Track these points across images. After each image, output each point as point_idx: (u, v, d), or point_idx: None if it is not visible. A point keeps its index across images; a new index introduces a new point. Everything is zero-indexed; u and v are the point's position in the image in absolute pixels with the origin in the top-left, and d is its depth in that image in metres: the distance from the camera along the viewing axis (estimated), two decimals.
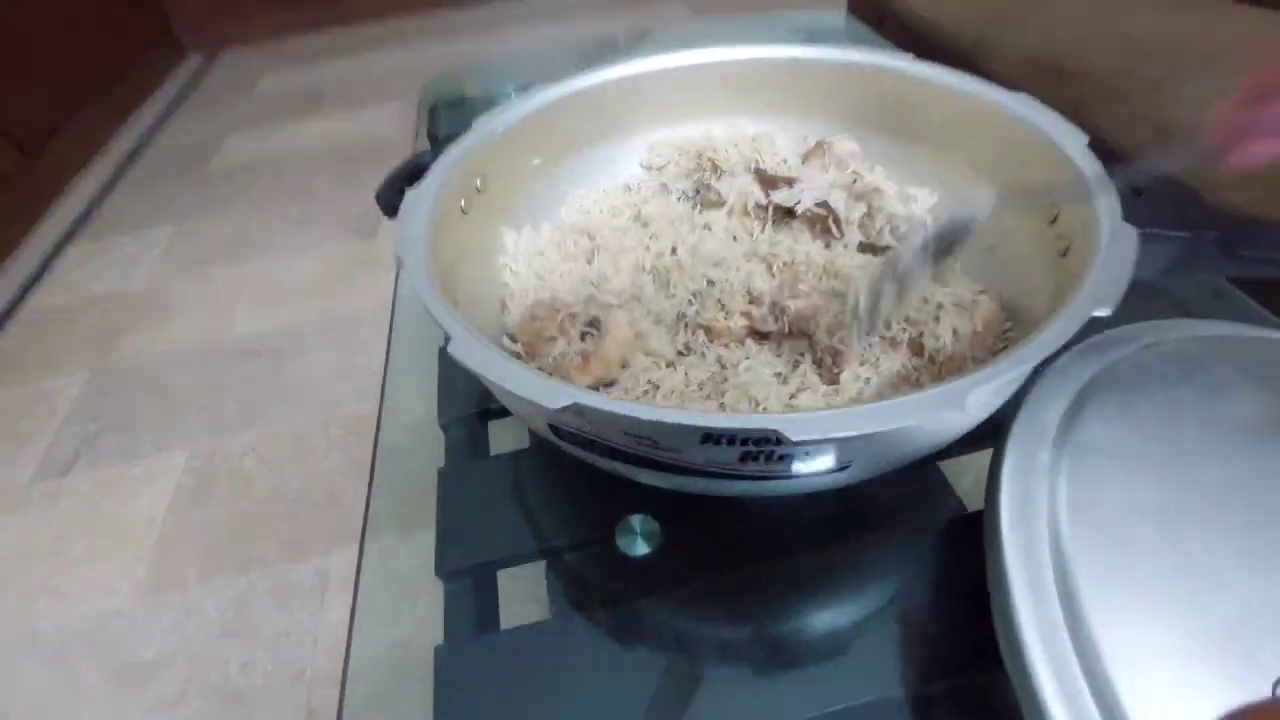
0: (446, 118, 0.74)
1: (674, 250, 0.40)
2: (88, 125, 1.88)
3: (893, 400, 0.21)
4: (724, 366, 0.32)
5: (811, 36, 0.44)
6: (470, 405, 0.40)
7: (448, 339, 0.25)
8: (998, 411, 0.28)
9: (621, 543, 0.32)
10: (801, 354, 0.32)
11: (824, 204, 0.37)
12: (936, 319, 0.31)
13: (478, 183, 0.38)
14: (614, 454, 0.25)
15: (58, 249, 1.54)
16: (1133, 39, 0.88)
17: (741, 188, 0.41)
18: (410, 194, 0.34)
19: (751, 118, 0.46)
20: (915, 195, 0.41)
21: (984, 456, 0.29)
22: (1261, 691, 0.20)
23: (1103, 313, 0.23)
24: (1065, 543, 0.25)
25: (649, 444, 0.23)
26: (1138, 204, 0.28)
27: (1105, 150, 0.32)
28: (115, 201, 1.70)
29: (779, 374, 0.32)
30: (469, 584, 0.32)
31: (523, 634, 0.30)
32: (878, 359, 0.31)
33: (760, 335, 0.34)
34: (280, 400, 1.10)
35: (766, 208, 0.40)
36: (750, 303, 0.34)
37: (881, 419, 0.20)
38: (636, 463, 0.25)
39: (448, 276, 0.32)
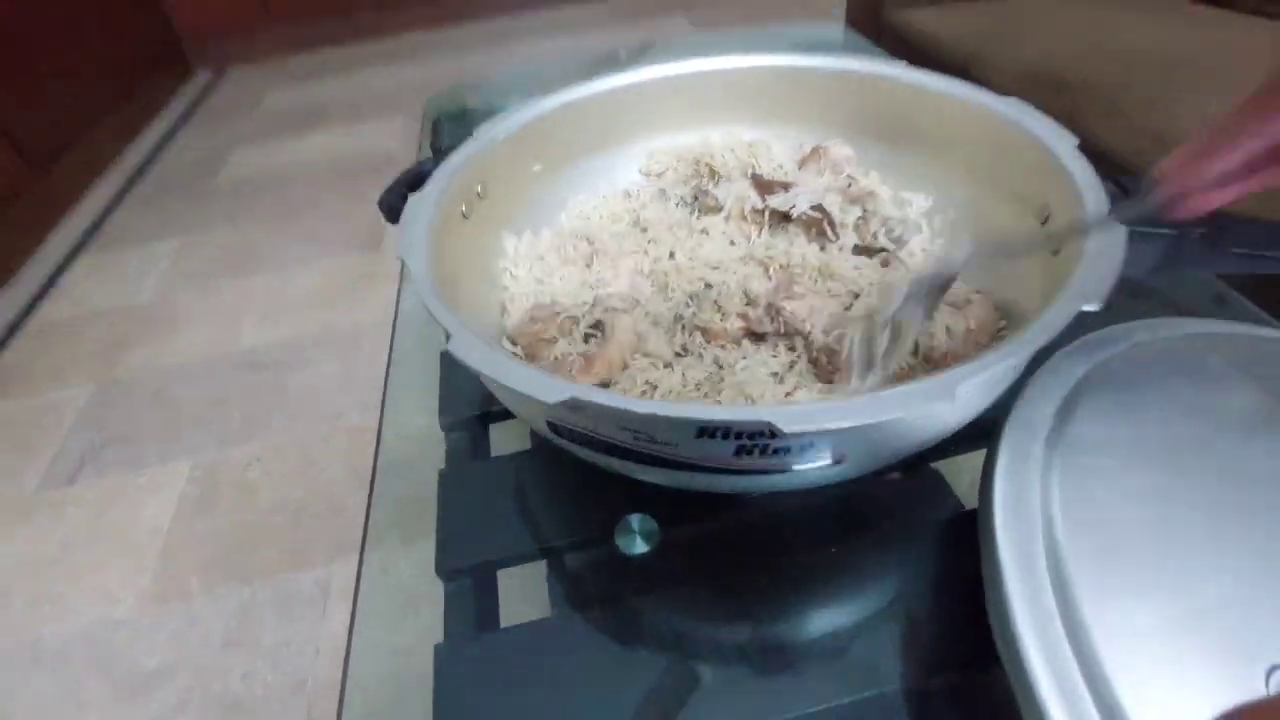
0: (449, 130, 0.75)
1: (672, 255, 0.41)
2: (97, 141, 1.91)
3: (884, 392, 0.21)
4: (721, 367, 0.33)
5: (810, 49, 0.45)
6: (471, 408, 0.40)
7: (448, 337, 0.25)
8: (991, 411, 0.28)
9: (621, 542, 0.32)
10: (796, 353, 0.33)
11: (819, 207, 0.38)
12: (930, 318, 0.32)
13: (479, 189, 0.39)
14: (611, 450, 0.26)
15: (65, 262, 1.55)
16: (1130, 53, 0.89)
17: (738, 193, 0.42)
18: (413, 199, 0.34)
19: (748, 125, 0.47)
20: (910, 199, 0.42)
21: (981, 457, 0.29)
22: (1254, 679, 0.21)
23: (1091, 307, 0.23)
24: (1059, 537, 0.25)
25: (646, 439, 0.24)
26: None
27: (1095, 154, 0.32)
28: (122, 216, 1.73)
29: (775, 374, 0.32)
30: (469, 583, 0.32)
31: (522, 632, 0.30)
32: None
33: (757, 336, 0.34)
34: (284, 412, 1.11)
35: (763, 212, 0.40)
36: (747, 304, 0.35)
37: (873, 411, 0.21)
38: (635, 459, 0.26)
39: (449, 280, 0.32)
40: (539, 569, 0.33)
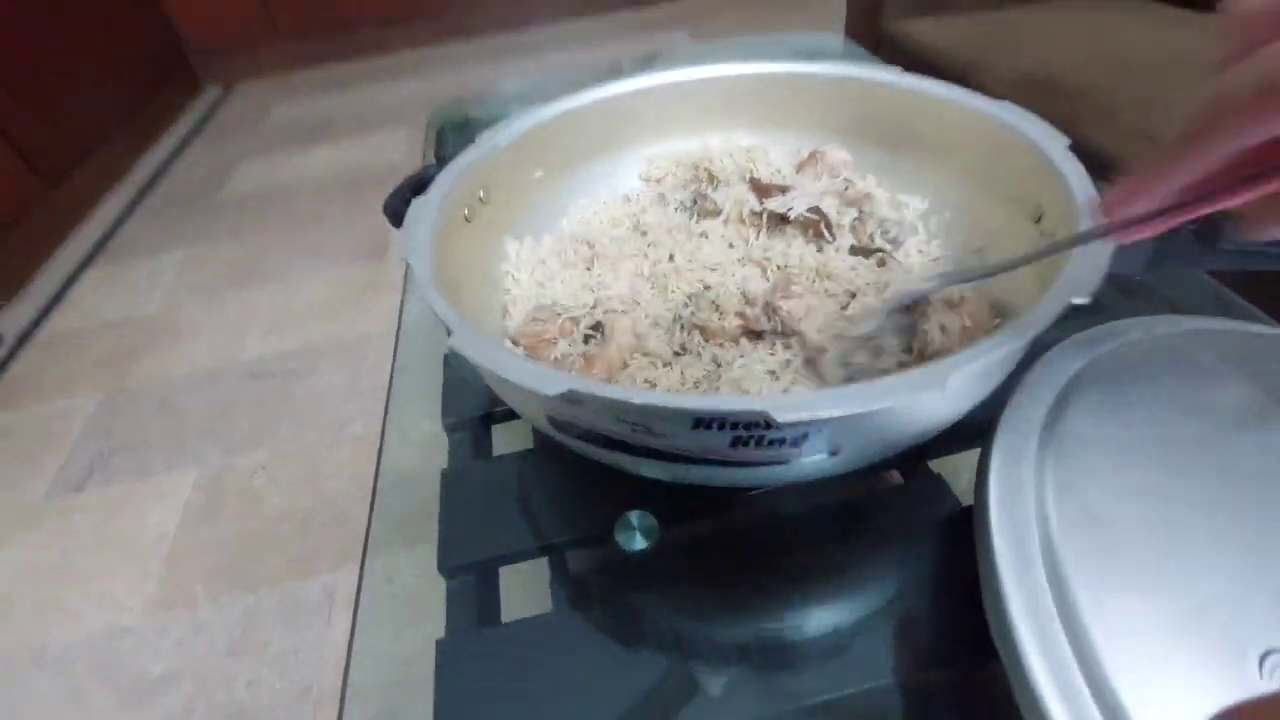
0: (453, 140, 0.76)
1: (671, 257, 0.41)
2: (107, 156, 1.94)
3: (877, 382, 0.22)
4: (719, 365, 0.33)
5: (810, 58, 0.46)
6: (474, 409, 0.41)
7: (450, 333, 0.26)
8: (987, 409, 0.29)
9: (621, 538, 0.32)
10: (792, 351, 0.33)
11: (816, 209, 0.39)
12: (925, 315, 0.32)
13: (481, 194, 0.40)
14: (610, 444, 0.26)
15: (75, 274, 1.57)
16: (1125, 59, 0.90)
17: (737, 197, 0.42)
18: (416, 203, 0.35)
19: (747, 131, 0.48)
20: (907, 202, 0.42)
21: (977, 456, 0.29)
22: (1248, 665, 0.21)
23: (1081, 300, 0.24)
24: (1053, 532, 0.25)
25: (644, 431, 0.24)
26: None
27: (1090, 156, 0.33)
28: (131, 228, 1.75)
29: (771, 371, 0.32)
30: (471, 580, 0.33)
31: (523, 627, 0.30)
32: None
33: (754, 335, 0.35)
34: (289, 421, 1.12)
35: (761, 215, 0.41)
36: (745, 304, 0.35)
37: (865, 400, 0.21)
38: (634, 452, 0.26)
39: (451, 283, 0.33)
40: (541, 568, 0.33)
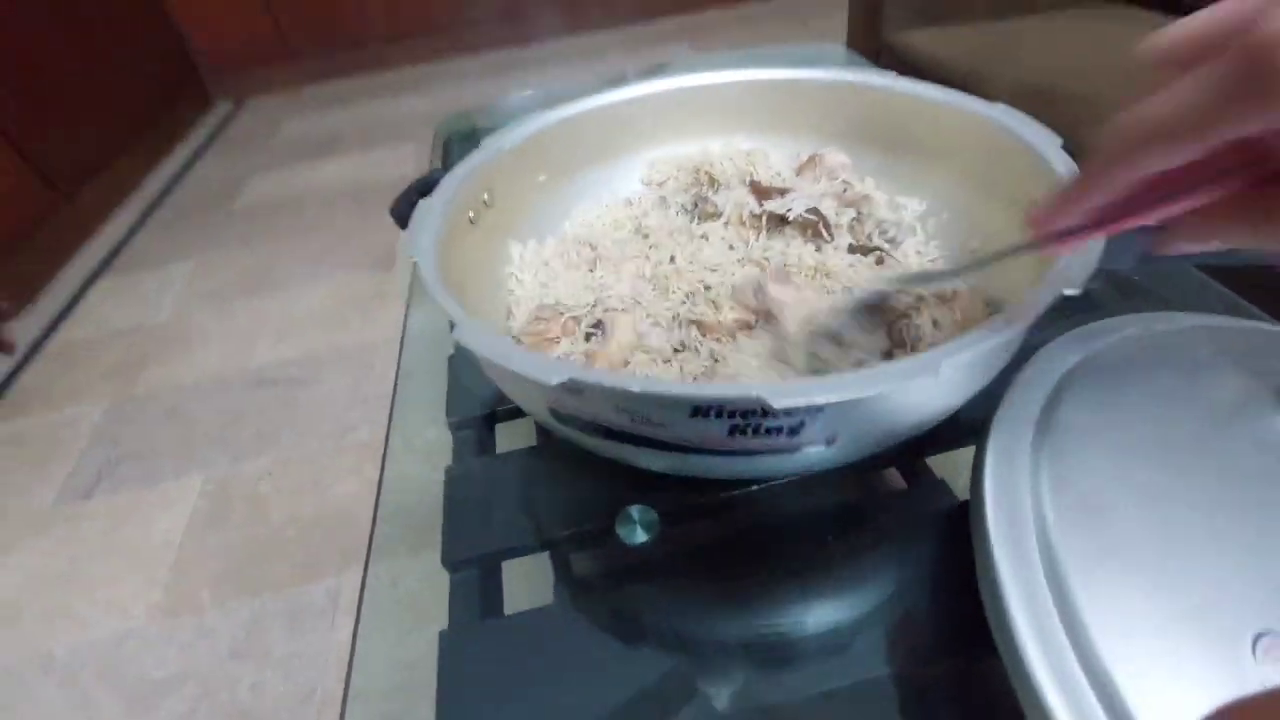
0: (459, 150, 0.77)
1: (672, 259, 0.42)
2: (120, 169, 1.97)
3: (871, 368, 0.22)
4: (716, 360, 0.34)
5: (811, 66, 0.47)
6: (478, 408, 0.41)
7: (453, 326, 0.27)
8: (983, 404, 0.29)
9: (621, 532, 0.32)
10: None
11: (814, 210, 0.39)
12: (918, 310, 0.32)
13: (485, 196, 0.41)
14: (611, 434, 0.26)
15: (86, 284, 1.60)
16: (1125, 69, 0.90)
17: (737, 199, 0.43)
18: (422, 204, 0.36)
19: (747, 135, 0.48)
20: (905, 204, 0.43)
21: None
22: (1241, 647, 0.21)
23: (1072, 291, 0.24)
24: (1049, 522, 0.25)
25: (643, 420, 0.25)
26: None
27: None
28: (142, 239, 1.77)
29: (758, 355, 0.33)
30: (475, 574, 0.33)
31: (525, 619, 0.30)
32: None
33: (750, 329, 0.35)
34: (296, 428, 1.13)
35: (761, 217, 0.42)
36: (739, 295, 0.36)
37: (859, 386, 0.22)
38: (634, 442, 0.26)
39: (456, 284, 0.33)
40: (544, 563, 0.34)
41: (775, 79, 0.47)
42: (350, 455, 1.06)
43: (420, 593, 0.34)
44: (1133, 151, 0.18)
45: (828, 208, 0.40)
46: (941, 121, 0.41)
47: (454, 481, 0.37)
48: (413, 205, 0.37)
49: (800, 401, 0.21)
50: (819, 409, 0.23)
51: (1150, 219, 0.20)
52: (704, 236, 0.43)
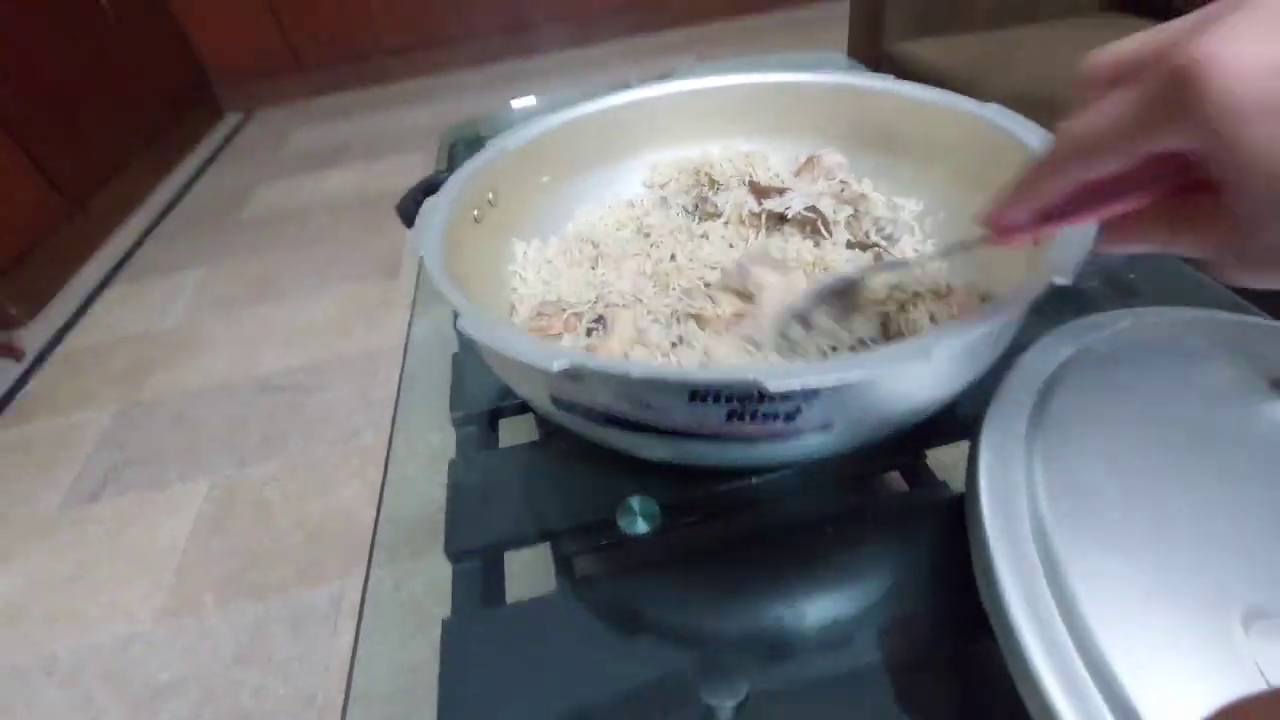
0: (465, 155, 0.78)
1: (673, 257, 0.42)
2: (131, 179, 2.00)
3: (865, 353, 0.22)
4: (707, 355, 0.34)
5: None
6: (481, 404, 0.42)
7: (457, 317, 0.27)
8: (980, 398, 0.29)
9: (622, 522, 0.33)
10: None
11: (813, 208, 0.40)
12: (915, 305, 0.33)
13: (490, 196, 0.41)
14: (611, 421, 0.27)
15: (96, 292, 1.61)
16: None
17: (737, 199, 0.44)
18: (428, 201, 0.37)
19: (746, 138, 0.49)
20: (902, 204, 0.44)
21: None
22: (1232, 623, 0.21)
23: (1062, 280, 0.25)
24: (1041, 507, 0.26)
25: (643, 406, 0.25)
26: None
27: None
28: (152, 248, 1.79)
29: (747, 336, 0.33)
30: (477, 564, 0.33)
31: (526, 608, 0.31)
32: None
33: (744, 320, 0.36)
34: (301, 433, 1.14)
35: (760, 215, 0.42)
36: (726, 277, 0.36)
37: (853, 369, 0.22)
38: (634, 428, 0.27)
39: (460, 280, 0.34)
40: (546, 559, 0.34)
41: (774, 83, 0.48)
42: (355, 461, 1.07)
43: (423, 597, 0.34)
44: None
45: (826, 206, 0.41)
46: (936, 122, 0.42)
47: (457, 475, 0.37)
48: (419, 204, 0.37)
49: (795, 385, 0.22)
50: (814, 393, 0.23)
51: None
52: (704, 235, 0.44)
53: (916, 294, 0.34)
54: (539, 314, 0.38)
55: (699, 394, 0.24)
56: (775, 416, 0.25)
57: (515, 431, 0.41)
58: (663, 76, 0.50)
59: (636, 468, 0.33)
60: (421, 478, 0.41)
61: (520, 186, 0.44)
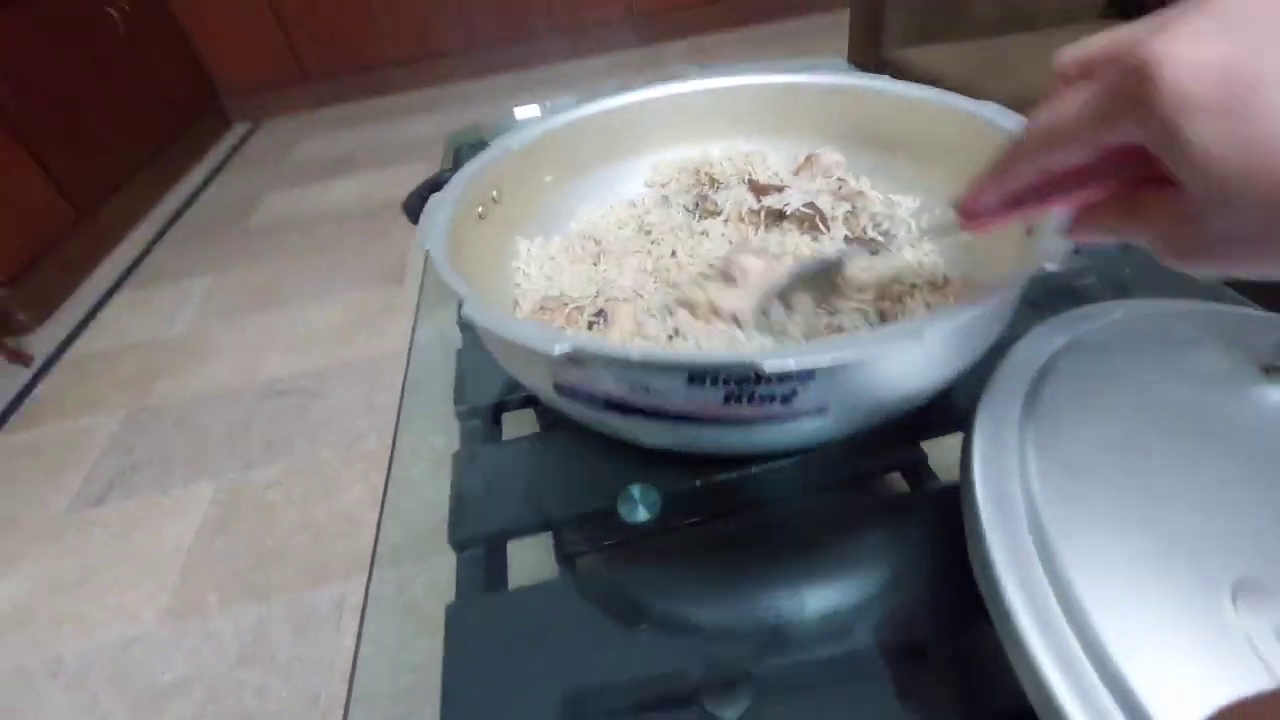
0: (469, 156, 0.79)
1: (674, 253, 0.43)
2: (140, 188, 2.02)
3: (859, 334, 0.23)
4: (700, 348, 0.35)
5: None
6: (485, 397, 0.42)
7: (461, 305, 0.28)
8: (976, 389, 0.30)
9: (623, 510, 0.33)
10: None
11: (811, 205, 0.41)
12: (912, 297, 0.34)
13: (494, 194, 0.42)
14: (611, 405, 0.28)
15: (104, 299, 1.63)
16: None
17: (736, 198, 0.45)
18: (433, 198, 0.38)
19: (746, 138, 0.50)
20: (899, 202, 0.44)
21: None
22: (1222, 597, 0.22)
23: (1052, 266, 0.25)
24: (1034, 490, 0.26)
25: (643, 390, 0.26)
26: None
27: None
28: (159, 255, 1.81)
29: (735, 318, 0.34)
30: (481, 552, 0.34)
31: (528, 594, 0.31)
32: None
33: None
34: (305, 437, 1.14)
35: (759, 212, 0.43)
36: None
37: (847, 350, 0.23)
38: (634, 413, 0.27)
39: (464, 274, 0.34)
40: (547, 553, 0.34)
41: (773, 84, 0.49)
42: (358, 465, 1.07)
43: (425, 598, 0.34)
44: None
45: (824, 203, 0.41)
46: (934, 121, 0.42)
47: (461, 465, 0.38)
48: (424, 201, 0.38)
49: (790, 365, 0.22)
50: (810, 375, 0.24)
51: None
52: (704, 232, 0.44)
53: (914, 286, 0.34)
54: (542, 308, 0.39)
55: (697, 376, 0.24)
56: (772, 399, 0.25)
57: (518, 425, 0.42)
58: (663, 80, 0.51)
59: (637, 457, 0.34)
60: (425, 480, 0.41)
61: (524, 185, 0.45)
